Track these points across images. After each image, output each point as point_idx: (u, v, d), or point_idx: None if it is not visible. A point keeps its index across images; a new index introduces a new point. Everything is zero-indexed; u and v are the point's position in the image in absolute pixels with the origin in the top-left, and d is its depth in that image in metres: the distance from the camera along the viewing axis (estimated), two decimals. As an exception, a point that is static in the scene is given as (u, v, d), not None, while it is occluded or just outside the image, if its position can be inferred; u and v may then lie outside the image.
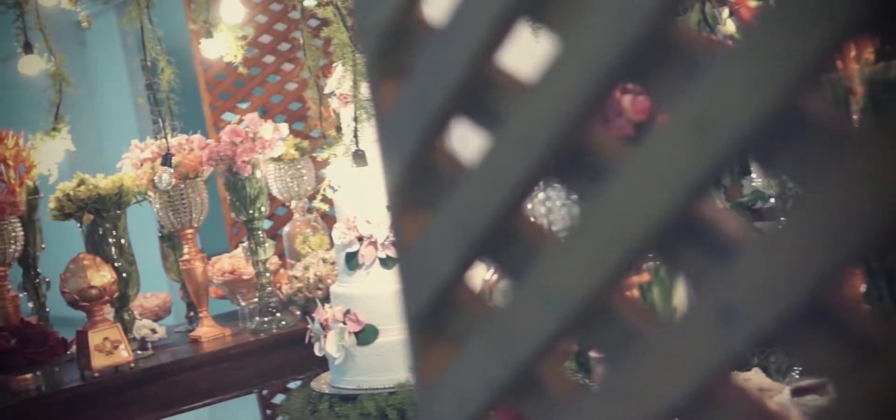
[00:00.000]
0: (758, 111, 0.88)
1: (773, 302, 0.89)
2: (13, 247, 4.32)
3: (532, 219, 1.11)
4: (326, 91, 4.08)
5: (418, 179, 1.21)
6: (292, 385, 5.19)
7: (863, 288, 2.36)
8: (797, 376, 2.68)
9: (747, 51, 0.88)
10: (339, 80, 3.89)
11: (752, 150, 0.92)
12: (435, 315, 1.22)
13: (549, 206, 2.24)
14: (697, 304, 0.95)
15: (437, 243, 1.19)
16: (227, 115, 5.69)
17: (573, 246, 1.03)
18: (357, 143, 3.78)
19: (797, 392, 2.41)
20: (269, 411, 5.76)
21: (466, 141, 1.26)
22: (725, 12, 3.00)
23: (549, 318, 1.07)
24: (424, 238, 1.21)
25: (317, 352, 3.81)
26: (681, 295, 2.47)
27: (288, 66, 5.83)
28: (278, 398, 5.67)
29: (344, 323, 3.70)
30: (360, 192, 3.79)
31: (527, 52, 1.31)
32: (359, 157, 3.77)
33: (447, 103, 1.15)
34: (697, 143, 0.92)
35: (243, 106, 5.73)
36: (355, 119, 3.78)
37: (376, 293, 3.70)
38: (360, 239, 3.73)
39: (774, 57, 0.86)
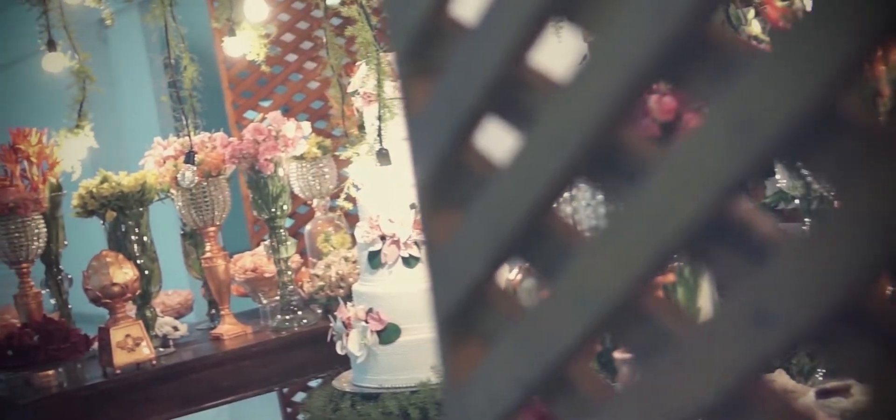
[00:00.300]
0: (793, 113, 0.87)
1: (807, 304, 0.88)
2: (36, 243, 4.33)
3: (563, 218, 1.11)
4: (350, 90, 4.08)
5: (449, 178, 1.21)
6: (313, 383, 5.19)
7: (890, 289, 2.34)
8: (821, 378, 2.67)
9: (783, 53, 0.88)
10: (363, 78, 3.89)
11: (786, 152, 0.92)
12: (465, 314, 1.22)
13: (574, 206, 2.24)
14: (731, 305, 0.94)
15: (468, 242, 1.19)
16: (249, 113, 5.69)
17: (606, 245, 1.03)
18: (381, 141, 3.78)
19: (822, 394, 2.40)
20: (289, 409, 5.76)
21: (497, 140, 1.25)
22: (751, 13, 3.00)
23: (581, 317, 1.06)
24: (455, 237, 1.20)
25: (339, 350, 3.82)
26: (705, 296, 2.46)
27: (310, 65, 5.83)
28: (299, 396, 5.68)
29: (366, 321, 3.70)
30: (383, 191, 3.79)
31: (556, 52, 1.31)
32: (382, 155, 3.77)
33: (479, 102, 1.15)
34: (733, 144, 0.91)
35: (265, 104, 5.73)
36: (379, 118, 3.77)
37: (399, 292, 3.70)
38: (383, 238, 3.73)
39: (810, 59, 0.86)
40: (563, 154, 1.05)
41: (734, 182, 0.93)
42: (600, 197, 2.25)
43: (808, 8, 2.88)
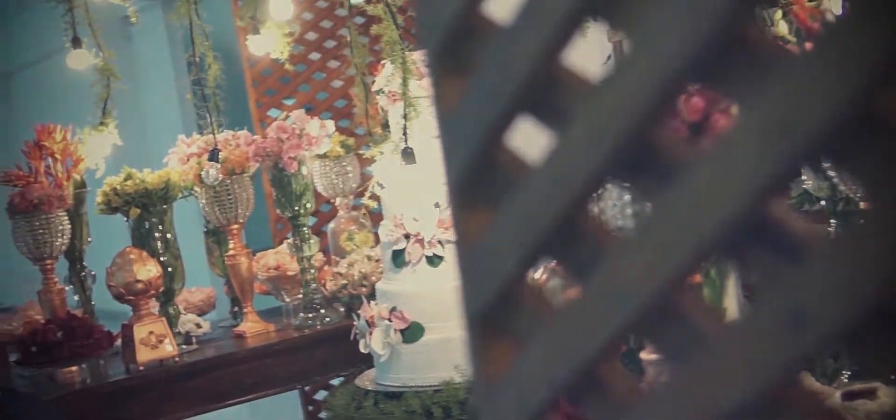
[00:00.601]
0: (829, 114, 0.87)
1: (842, 304, 0.88)
2: (60, 240, 4.35)
3: (596, 218, 1.11)
4: (375, 88, 4.08)
5: (480, 177, 1.21)
6: (334, 382, 5.20)
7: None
8: (846, 380, 2.67)
9: (820, 54, 0.87)
10: (389, 77, 3.89)
11: (822, 153, 0.92)
12: (495, 313, 1.22)
13: (601, 206, 2.24)
14: (766, 305, 0.94)
15: (499, 241, 1.19)
16: (272, 112, 5.69)
17: (640, 245, 1.03)
18: (406, 140, 3.78)
19: (847, 396, 2.40)
20: (310, 407, 5.77)
21: (529, 139, 1.25)
22: (778, 14, 2.99)
23: (614, 317, 1.06)
24: (486, 236, 1.20)
25: (362, 348, 3.82)
26: (731, 296, 2.46)
27: (333, 63, 5.84)
28: (320, 394, 5.69)
29: (390, 320, 3.71)
30: (408, 190, 3.79)
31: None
32: (407, 154, 3.78)
33: (512, 101, 1.15)
34: (768, 145, 0.91)
35: (289, 102, 5.74)
36: (404, 116, 3.78)
37: (422, 291, 3.70)
38: (407, 236, 3.73)
39: (847, 60, 0.86)
40: (597, 154, 1.05)
41: (769, 183, 0.93)
42: (627, 197, 2.25)
43: (837, 8, 2.87)
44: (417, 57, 3.84)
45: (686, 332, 1.04)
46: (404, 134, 3.78)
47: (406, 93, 3.77)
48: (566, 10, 1.06)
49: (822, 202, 2.95)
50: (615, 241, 1.09)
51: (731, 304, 2.45)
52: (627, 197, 2.26)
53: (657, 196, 1.03)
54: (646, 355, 2.36)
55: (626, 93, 1.01)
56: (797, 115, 0.89)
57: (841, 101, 0.86)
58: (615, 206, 2.26)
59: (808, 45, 0.91)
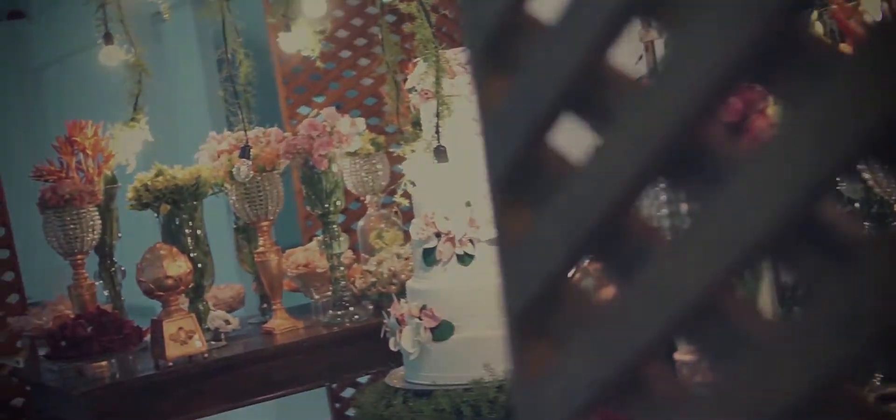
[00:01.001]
0: (882, 115, 0.86)
1: (894, 306, 0.87)
2: (90, 235, 4.36)
3: (641, 218, 1.10)
4: (407, 86, 4.08)
5: (524, 176, 1.21)
6: (362, 379, 5.20)
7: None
8: (878, 383, 2.65)
9: (873, 54, 0.87)
10: (421, 75, 3.89)
11: (873, 154, 0.91)
12: (537, 312, 1.22)
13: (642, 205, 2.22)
14: (818, 308, 0.93)
15: (542, 240, 1.18)
16: (302, 109, 5.70)
17: (687, 246, 1.02)
18: (438, 139, 3.78)
19: (881, 399, 2.39)
20: (338, 404, 5.77)
21: (573, 139, 1.25)
22: (814, 15, 2.98)
23: (659, 318, 1.06)
24: (529, 235, 1.20)
25: (392, 347, 3.82)
26: (766, 298, 2.45)
27: (364, 61, 5.84)
28: (347, 392, 5.69)
29: (420, 318, 3.70)
30: (439, 188, 3.79)
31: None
32: (440, 153, 3.77)
33: (557, 100, 1.14)
34: (819, 146, 0.91)
35: (319, 100, 5.74)
36: (437, 115, 3.77)
37: (453, 289, 3.70)
38: (438, 235, 3.73)
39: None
40: (644, 154, 1.04)
41: (819, 184, 0.92)
42: (662, 197, 2.25)
43: (874, 10, 2.86)
44: (450, 55, 3.84)
45: (733, 334, 1.03)
46: (437, 132, 3.78)
47: (439, 91, 3.77)
48: (613, 9, 1.05)
49: (856, 205, 2.93)
50: (663, 242, 1.08)
51: (766, 304, 2.44)
52: (662, 197, 2.25)
53: (705, 197, 1.02)
54: (681, 356, 2.35)
55: (675, 93, 1.00)
56: (848, 115, 0.89)
57: (892, 103, 0.86)
58: (653, 205, 2.25)
59: (847, 46, 0.91)
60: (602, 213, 1.10)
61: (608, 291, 1.17)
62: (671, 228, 2.23)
